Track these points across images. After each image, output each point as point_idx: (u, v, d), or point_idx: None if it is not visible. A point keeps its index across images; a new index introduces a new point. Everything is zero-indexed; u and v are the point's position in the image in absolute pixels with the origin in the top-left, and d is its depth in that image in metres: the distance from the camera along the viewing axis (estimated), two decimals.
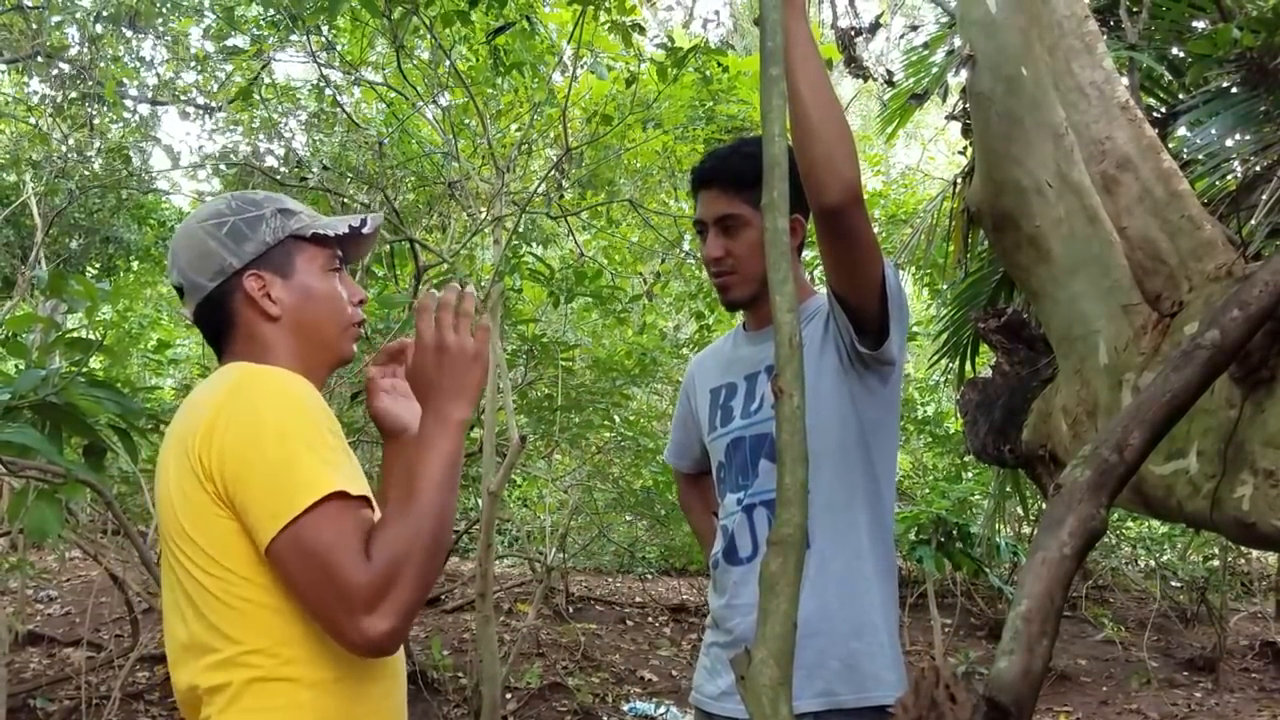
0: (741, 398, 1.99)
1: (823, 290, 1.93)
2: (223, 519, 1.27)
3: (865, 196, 1.69)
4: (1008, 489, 5.17)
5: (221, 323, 1.45)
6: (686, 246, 6.99)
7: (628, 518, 9.09)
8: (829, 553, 1.79)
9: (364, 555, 1.20)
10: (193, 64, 6.82)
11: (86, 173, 7.08)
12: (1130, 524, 8.59)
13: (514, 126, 6.29)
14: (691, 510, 2.35)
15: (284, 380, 1.34)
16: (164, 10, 6.51)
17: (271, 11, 5.17)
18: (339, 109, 6.10)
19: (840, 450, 1.83)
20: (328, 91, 6.02)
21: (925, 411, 8.83)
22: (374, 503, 1.33)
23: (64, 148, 7.09)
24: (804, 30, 1.63)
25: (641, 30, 4.90)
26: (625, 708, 5.93)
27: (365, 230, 1.51)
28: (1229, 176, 2.53)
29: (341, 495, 1.23)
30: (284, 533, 1.21)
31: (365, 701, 1.35)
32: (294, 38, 5.65)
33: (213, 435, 1.26)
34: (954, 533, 6.38)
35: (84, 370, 2.24)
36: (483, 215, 5.75)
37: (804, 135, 1.60)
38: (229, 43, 6.08)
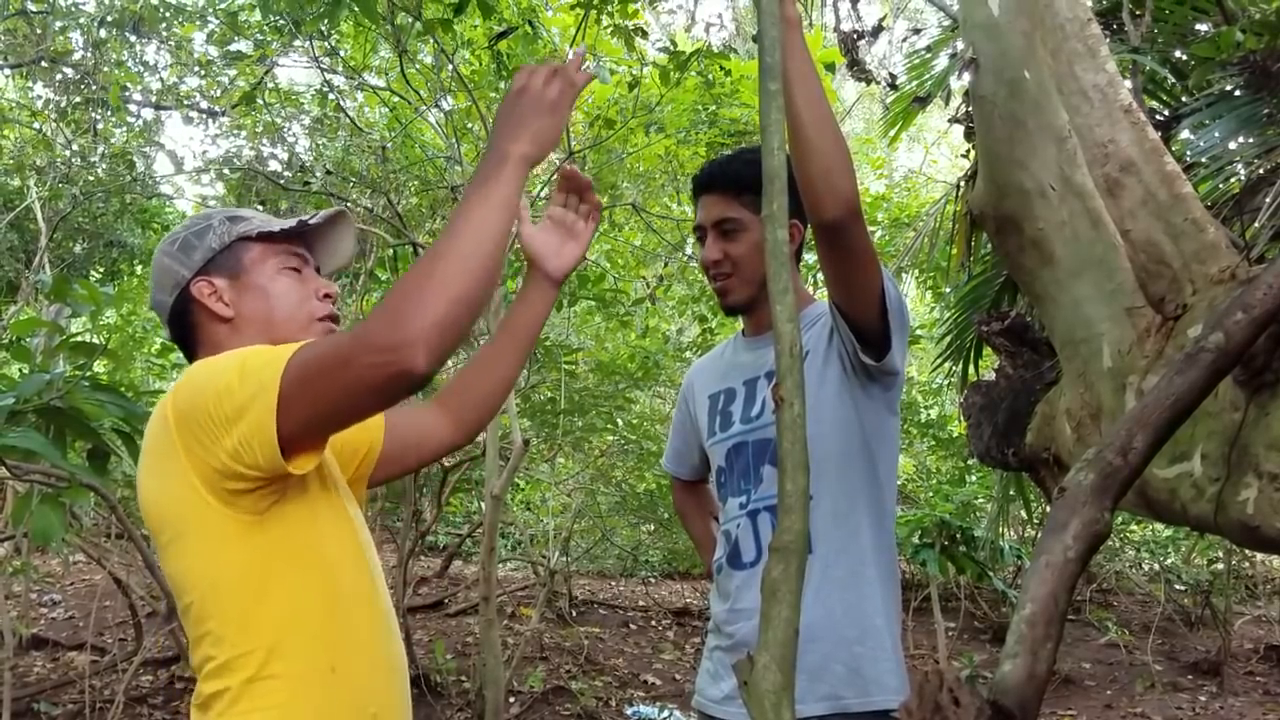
0: (741, 402, 1.99)
1: (821, 297, 1.93)
2: (213, 509, 1.25)
3: (864, 209, 1.70)
4: (1011, 492, 5.16)
5: (187, 336, 1.47)
6: (689, 250, 6.99)
7: (631, 521, 9.08)
8: (832, 558, 1.79)
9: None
10: (196, 69, 6.82)
11: (90, 177, 7.09)
12: (1134, 527, 8.58)
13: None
14: (688, 516, 2.35)
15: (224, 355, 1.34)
16: (167, 15, 6.52)
17: (275, 17, 5.18)
18: (342, 113, 6.11)
19: (843, 456, 1.83)
20: (331, 96, 6.03)
21: (929, 415, 8.83)
22: None
23: (68, 152, 7.11)
24: (800, 46, 1.64)
25: (644, 34, 4.90)
26: (628, 711, 5.92)
27: (313, 223, 1.50)
28: (1232, 179, 2.52)
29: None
30: (280, 398, 1.17)
31: (364, 693, 1.34)
32: (297, 43, 5.67)
33: (181, 419, 1.25)
34: (958, 536, 6.38)
35: (88, 374, 2.24)
36: None
37: (802, 152, 1.60)
38: (232, 48, 6.09)
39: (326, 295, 1.50)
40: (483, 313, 1.21)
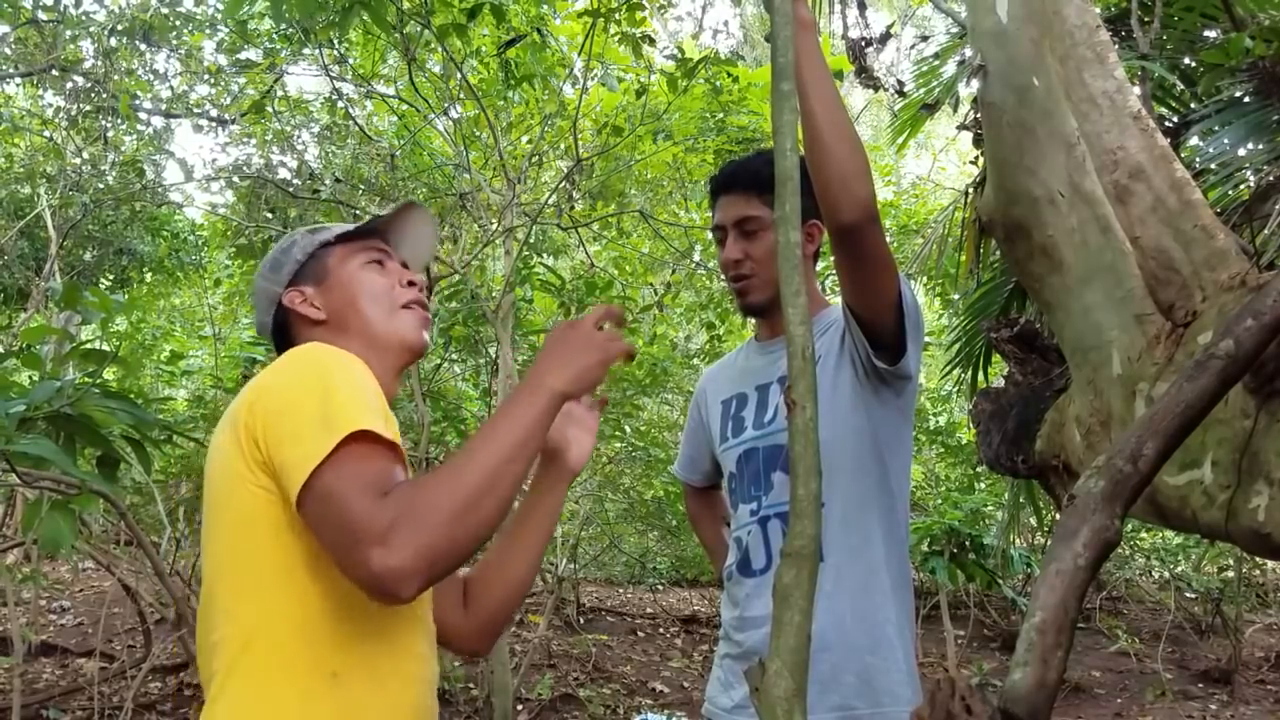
0: (753, 408, 1.98)
1: (836, 302, 1.92)
2: (252, 487, 1.24)
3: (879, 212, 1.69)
4: (1021, 500, 5.15)
5: (289, 347, 1.44)
6: (697, 257, 6.99)
7: (639, 528, 9.07)
8: (843, 566, 1.78)
9: (379, 493, 1.14)
10: (206, 77, 6.86)
11: (100, 185, 7.13)
12: (1144, 535, 8.56)
13: (525, 138, 6.32)
14: (700, 523, 2.33)
15: (328, 348, 1.32)
16: (177, 24, 6.55)
17: (284, 25, 5.20)
18: (351, 121, 6.12)
19: (855, 463, 1.82)
20: (340, 104, 6.05)
21: (938, 422, 8.80)
22: (406, 461, 1.27)
23: (78, 160, 7.14)
24: (815, 49, 1.63)
25: (651, 42, 4.92)
26: (636, 719, 5.91)
27: (384, 216, 1.55)
28: (1242, 186, 2.52)
29: (369, 436, 1.18)
30: (310, 480, 1.15)
31: (365, 706, 1.26)
32: (306, 51, 5.69)
33: (255, 405, 1.25)
34: (967, 544, 6.36)
35: (98, 381, 2.25)
36: (494, 226, 5.77)
37: (818, 155, 1.59)
38: (242, 56, 6.12)
39: (410, 282, 1.52)
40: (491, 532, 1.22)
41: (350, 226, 1.53)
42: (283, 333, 1.50)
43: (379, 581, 1.10)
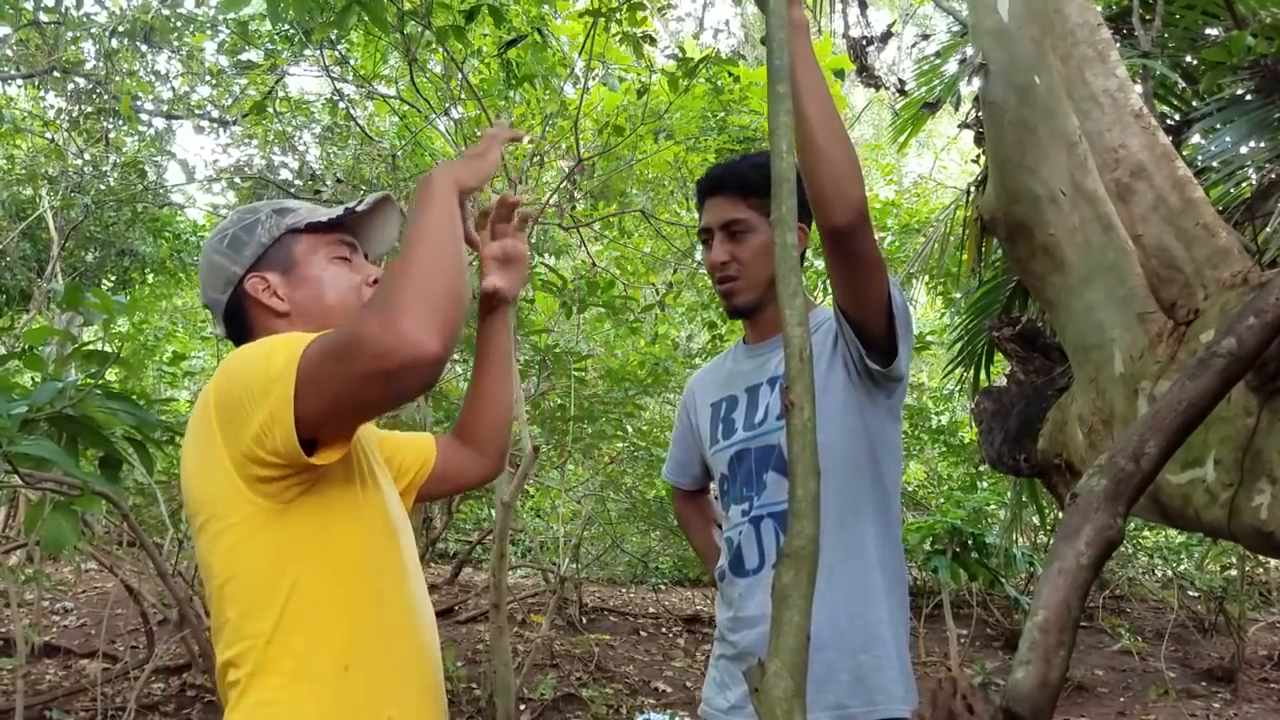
0: (743, 410, 1.98)
1: (824, 303, 1.93)
2: (243, 496, 1.26)
3: (871, 214, 1.70)
4: (1023, 499, 5.15)
5: (243, 333, 1.47)
6: (698, 256, 6.99)
7: (641, 528, 9.07)
8: (837, 566, 1.78)
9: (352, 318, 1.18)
10: (207, 78, 6.87)
11: (102, 187, 7.14)
12: (1147, 533, 8.55)
13: (526, 138, 6.32)
14: (691, 526, 2.34)
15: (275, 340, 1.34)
16: (179, 25, 6.56)
17: (285, 26, 5.20)
18: (352, 122, 6.13)
19: (848, 463, 1.82)
20: (341, 105, 6.05)
21: (940, 421, 8.80)
22: None
23: (80, 162, 7.15)
24: (808, 51, 1.63)
25: (652, 41, 4.92)
26: (639, 719, 5.91)
27: (360, 209, 1.51)
28: (1244, 184, 2.52)
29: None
30: (296, 387, 1.18)
31: (381, 694, 1.31)
32: (307, 52, 5.69)
33: (218, 401, 1.26)
34: (969, 543, 6.36)
35: (100, 382, 2.25)
36: None
37: (812, 157, 1.60)
38: (243, 57, 6.13)
39: (375, 281, 1.50)
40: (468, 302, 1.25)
41: (321, 215, 1.49)
42: (237, 316, 1.47)
43: (403, 348, 1.11)
